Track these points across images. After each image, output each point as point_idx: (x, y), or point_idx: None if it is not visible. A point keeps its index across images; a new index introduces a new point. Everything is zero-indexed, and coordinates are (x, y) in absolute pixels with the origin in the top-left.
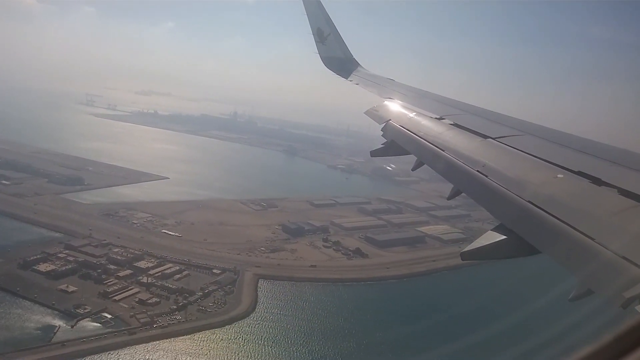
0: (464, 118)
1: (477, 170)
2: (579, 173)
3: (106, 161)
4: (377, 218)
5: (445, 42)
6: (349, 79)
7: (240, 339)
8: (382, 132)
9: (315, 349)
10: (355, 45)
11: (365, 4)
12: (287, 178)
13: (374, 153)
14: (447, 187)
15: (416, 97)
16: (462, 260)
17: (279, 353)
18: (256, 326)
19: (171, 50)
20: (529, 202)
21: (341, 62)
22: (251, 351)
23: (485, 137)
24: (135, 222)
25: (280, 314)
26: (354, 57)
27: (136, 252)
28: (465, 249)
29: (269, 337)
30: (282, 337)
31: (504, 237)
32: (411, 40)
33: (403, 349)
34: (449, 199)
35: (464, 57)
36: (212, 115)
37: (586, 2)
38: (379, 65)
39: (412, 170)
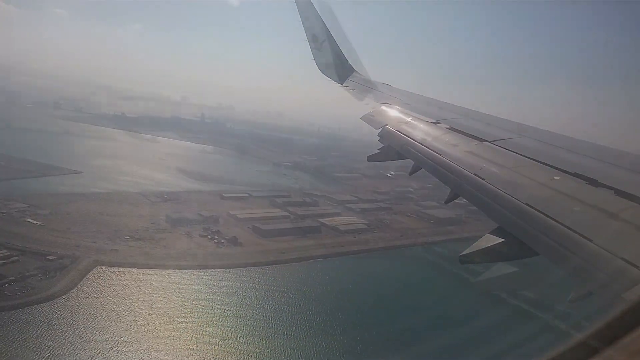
0: (460, 122)
1: (474, 174)
2: (576, 174)
3: (20, 156)
4: (283, 210)
5: (445, 43)
6: (344, 84)
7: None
8: (378, 138)
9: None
10: (352, 48)
11: (364, 4)
12: (218, 173)
13: (371, 158)
14: (387, 183)
15: (412, 102)
16: (460, 263)
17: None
18: (46, 310)
19: (148, 53)
20: (526, 204)
21: (337, 68)
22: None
23: (481, 140)
24: (4, 211)
25: (89, 299)
26: (350, 62)
27: None
28: (463, 252)
29: (49, 321)
30: (68, 321)
31: (502, 239)
32: (410, 43)
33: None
34: (446, 202)
35: (462, 59)
36: (183, 117)
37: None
38: (376, 69)
39: (409, 175)
